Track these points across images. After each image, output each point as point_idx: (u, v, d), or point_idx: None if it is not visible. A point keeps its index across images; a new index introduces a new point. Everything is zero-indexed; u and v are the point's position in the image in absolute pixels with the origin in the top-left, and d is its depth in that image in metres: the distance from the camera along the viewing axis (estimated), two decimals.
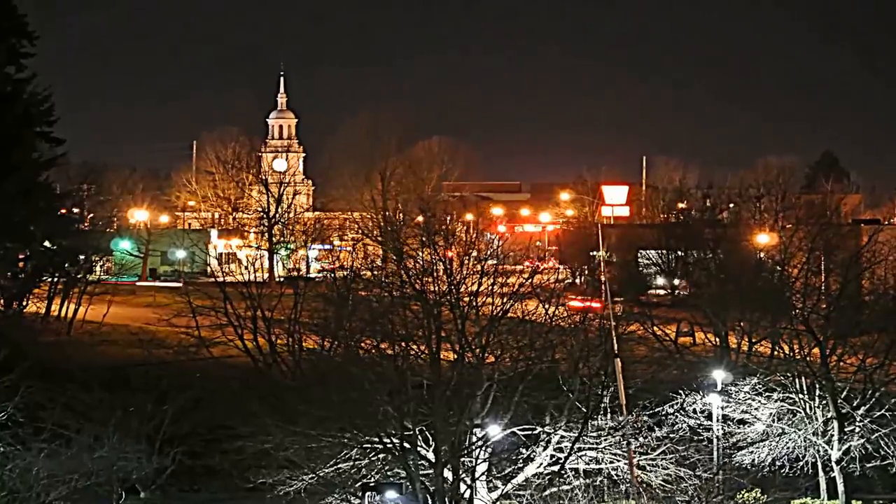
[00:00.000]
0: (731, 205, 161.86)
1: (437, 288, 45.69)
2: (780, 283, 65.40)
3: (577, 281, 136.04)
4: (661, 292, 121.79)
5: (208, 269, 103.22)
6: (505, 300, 46.92)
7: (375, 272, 54.68)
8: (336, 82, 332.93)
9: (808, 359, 57.00)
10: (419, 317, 44.94)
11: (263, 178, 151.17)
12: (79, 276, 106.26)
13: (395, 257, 49.93)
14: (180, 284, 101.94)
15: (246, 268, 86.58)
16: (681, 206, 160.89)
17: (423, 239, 49.38)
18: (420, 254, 48.95)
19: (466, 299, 46.93)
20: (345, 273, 63.60)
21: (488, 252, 55.33)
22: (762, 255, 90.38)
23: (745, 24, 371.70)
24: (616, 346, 43.70)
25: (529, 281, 49.19)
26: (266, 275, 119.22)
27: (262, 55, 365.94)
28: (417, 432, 44.97)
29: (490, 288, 46.37)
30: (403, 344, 45.06)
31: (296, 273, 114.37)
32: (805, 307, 59.13)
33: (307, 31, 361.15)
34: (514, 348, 46.38)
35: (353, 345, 48.40)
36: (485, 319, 47.21)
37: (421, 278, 45.57)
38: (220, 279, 78.34)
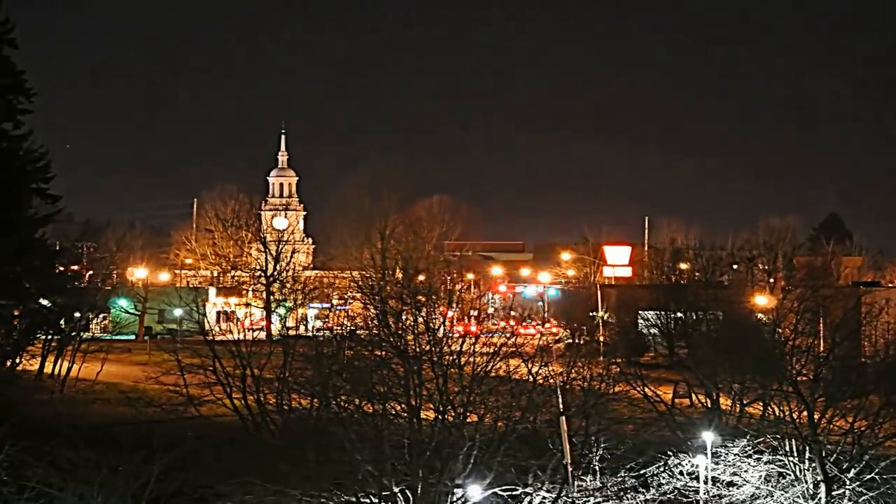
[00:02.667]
0: (735, 266, 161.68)
1: (418, 346, 45.28)
2: (770, 345, 64.89)
3: (577, 341, 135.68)
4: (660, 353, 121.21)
5: (206, 328, 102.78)
6: (488, 359, 46.45)
7: (360, 330, 54.28)
8: (337, 141, 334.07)
9: (797, 421, 56.54)
10: (399, 375, 44.54)
11: (262, 236, 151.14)
12: (73, 334, 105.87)
13: (379, 315, 49.36)
14: (176, 342, 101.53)
15: (237, 325, 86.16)
16: (682, 266, 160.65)
17: (404, 296, 49.06)
18: (403, 312, 48.52)
19: (449, 358, 46.59)
20: (332, 331, 63.26)
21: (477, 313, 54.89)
22: (762, 316, 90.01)
23: (748, 85, 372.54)
24: (561, 404, 43.31)
25: (513, 339, 48.71)
26: (263, 333, 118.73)
27: (264, 113, 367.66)
28: (398, 492, 44.49)
29: (472, 347, 45.87)
30: (383, 403, 44.58)
31: (294, 331, 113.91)
32: (793, 369, 58.62)
33: (309, 91, 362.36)
34: (497, 407, 45.91)
35: (334, 403, 47.96)
36: (468, 378, 46.83)
37: (401, 336, 45.17)
38: (210, 337, 77.81)
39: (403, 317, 48.03)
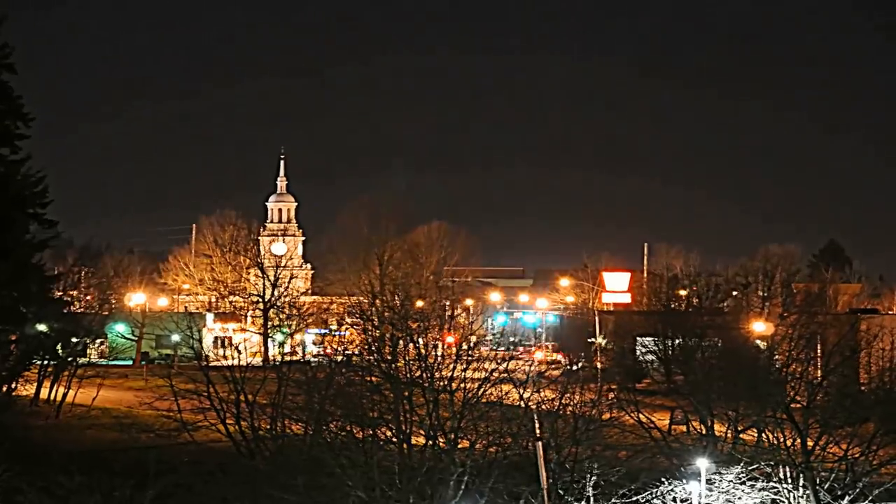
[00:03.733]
0: (735, 293, 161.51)
1: (408, 371, 45.17)
2: (764, 372, 64.77)
3: (575, 368, 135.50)
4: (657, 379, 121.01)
5: (203, 353, 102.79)
6: (479, 384, 46.32)
7: (353, 357, 54.21)
8: (337, 166, 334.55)
9: (791, 448, 56.41)
10: (388, 400, 44.41)
11: (260, 261, 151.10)
12: (69, 360, 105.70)
13: (369, 340, 49.28)
14: (170, 368, 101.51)
15: (236, 350, 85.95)
16: (681, 293, 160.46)
17: (394, 322, 48.94)
18: (393, 337, 48.38)
19: (440, 383, 46.46)
20: (327, 357, 63.13)
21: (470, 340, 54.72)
22: (760, 343, 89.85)
23: (751, 114, 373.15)
24: (539, 429, 43.13)
25: (505, 364, 48.59)
26: (257, 359, 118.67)
27: (262, 139, 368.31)
28: None
29: (463, 372, 45.74)
30: (374, 428, 44.43)
31: (291, 356, 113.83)
32: (787, 396, 58.51)
33: (308, 115, 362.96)
34: (488, 433, 45.73)
35: (325, 429, 47.81)
36: (459, 403, 46.67)
37: (392, 361, 45.06)
38: (204, 362, 77.73)
39: (394, 342, 47.87)
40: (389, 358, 46.11)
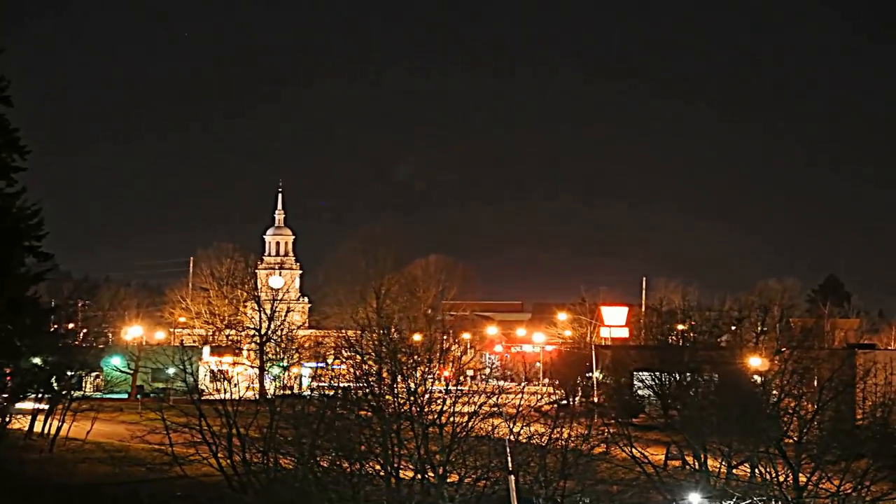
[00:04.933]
0: (734, 327, 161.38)
1: (397, 404, 45.04)
2: (757, 407, 64.65)
3: (571, 402, 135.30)
4: (651, 415, 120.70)
5: (198, 387, 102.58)
6: (468, 418, 46.18)
7: (340, 388, 54.11)
8: (334, 198, 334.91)
9: (784, 484, 56.23)
10: (377, 433, 44.27)
11: (256, 295, 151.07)
12: (64, 393, 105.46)
13: (356, 373, 49.19)
14: (162, 401, 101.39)
15: (227, 384, 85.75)
16: (680, 327, 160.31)
17: (382, 355, 48.86)
18: (381, 370, 48.28)
19: (430, 417, 46.33)
20: (319, 390, 63.00)
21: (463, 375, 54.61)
22: (758, 377, 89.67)
23: (752, 148, 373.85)
24: (511, 463, 42.88)
25: (496, 397, 48.46)
26: (250, 392, 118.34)
27: (261, 171, 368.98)
28: None
29: (452, 406, 45.61)
30: (362, 462, 44.25)
31: (288, 390, 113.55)
32: (778, 431, 58.37)
33: (306, 146, 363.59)
34: (477, 467, 45.56)
35: (313, 463, 47.64)
36: (448, 437, 46.52)
37: (380, 395, 44.94)
38: (197, 396, 77.55)
39: (378, 375, 47.80)
40: (378, 391, 45.98)
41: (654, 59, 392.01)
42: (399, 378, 47.27)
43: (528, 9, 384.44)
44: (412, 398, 45.53)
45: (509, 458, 41.61)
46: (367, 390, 47.05)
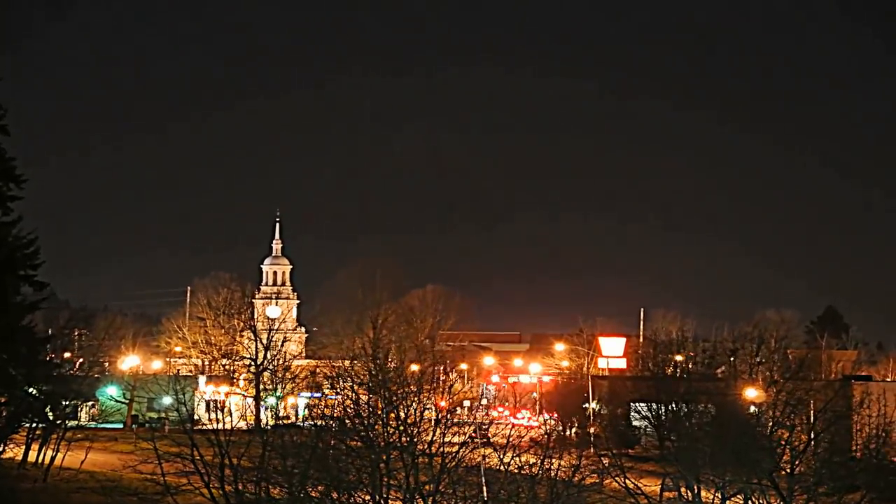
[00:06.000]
0: (732, 358, 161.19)
1: (386, 434, 44.88)
2: (750, 438, 64.48)
3: (568, 433, 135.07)
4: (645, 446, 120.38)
5: (194, 417, 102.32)
6: (458, 448, 46.03)
7: (330, 418, 53.93)
8: (332, 229, 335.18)
9: None
10: (366, 463, 44.12)
11: (252, 324, 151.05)
12: (58, 422, 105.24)
13: (343, 403, 49.05)
14: (154, 431, 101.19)
15: (222, 413, 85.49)
16: (678, 358, 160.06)
17: (371, 384, 48.75)
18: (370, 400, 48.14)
19: (420, 447, 46.16)
20: (311, 420, 62.82)
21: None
22: (754, 409, 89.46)
23: (754, 179, 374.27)
24: (486, 491, 42.77)
25: (486, 428, 48.31)
26: (247, 422, 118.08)
27: (258, 201, 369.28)
28: None
29: (442, 436, 45.45)
30: (350, 492, 44.07)
31: (285, 420, 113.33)
32: (771, 462, 58.19)
33: (304, 178, 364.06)
34: (466, 497, 45.37)
35: (302, 494, 47.46)
36: (438, 467, 46.36)
37: (369, 425, 44.78)
38: (190, 425, 77.26)
39: (373, 405, 47.67)
40: (367, 421, 45.83)
41: (653, 83, 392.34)
42: (389, 407, 47.11)
43: (519, 31, 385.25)
44: (402, 428, 45.34)
45: (484, 488, 41.61)
46: (357, 420, 46.86)
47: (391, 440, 45.80)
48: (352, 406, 49.30)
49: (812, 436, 61.42)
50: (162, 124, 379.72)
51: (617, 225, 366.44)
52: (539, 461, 49.37)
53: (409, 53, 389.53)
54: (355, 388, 49.96)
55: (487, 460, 47.37)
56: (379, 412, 47.61)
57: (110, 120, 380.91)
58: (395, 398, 48.33)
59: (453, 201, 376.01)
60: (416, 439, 45.90)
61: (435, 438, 46.24)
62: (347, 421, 47.58)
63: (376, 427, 45.99)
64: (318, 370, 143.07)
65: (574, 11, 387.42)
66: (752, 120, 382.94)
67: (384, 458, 44.44)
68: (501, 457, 47.52)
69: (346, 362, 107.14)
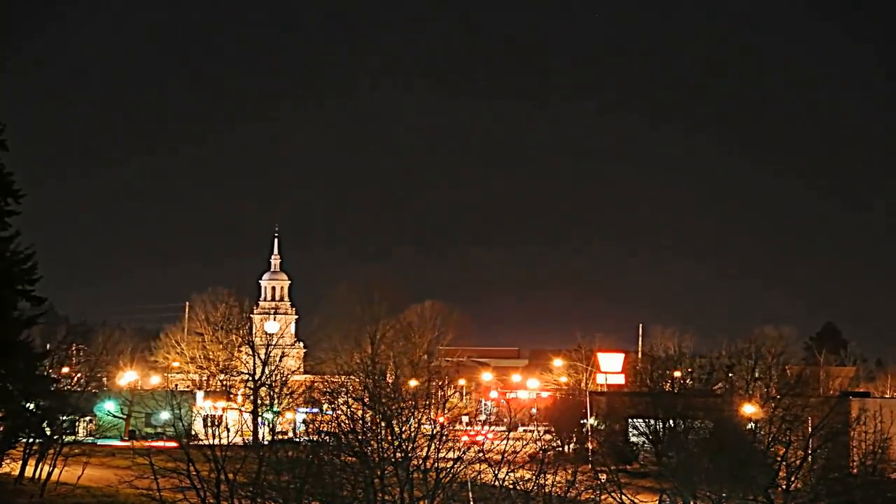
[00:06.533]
0: (731, 374, 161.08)
1: (381, 450, 44.87)
2: (746, 454, 64.49)
3: (566, 449, 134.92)
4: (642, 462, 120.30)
5: (191, 432, 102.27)
6: (452, 463, 46.01)
7: (326, 436, 53.87)
8: (330, 244, 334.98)
9: None
10: (360, 478, 44.11)
11: (250, 340, 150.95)
12: (55, 437, 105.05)
13: (336, 419, 49.03)
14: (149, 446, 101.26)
15: (218, 428, 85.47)
16: (676, 374, 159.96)
17: (365, 399, 48.75)
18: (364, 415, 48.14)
19: (415, 462, 46.15)
20: (308, 436, 62.78)
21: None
22: (752, 425, 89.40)
23: (752, 195, 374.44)
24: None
25: (482, 443, 48.25)
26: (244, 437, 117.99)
27: (257, 216, 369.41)
28: None
29: (437, 452, 45.43)
30: None
31: (282, 436, 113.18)
32: (766, 478, 58.21)
33: (302, 191, 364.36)
34: None
35: None
36: (433, 483, 46.34)
37: (364, 440, 44.77)
38: (186, 440, 77.28)
39: (368, 420, 47.66)
40: (361, 437, 45.82)
41: (652, 102, 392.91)
42: (384, 423, 47.10)
43: (518, 53, 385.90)
44: (396, 444, 45.35)
45: (471, 499, 41.63)
46: (352, 436, 46.85)
47: (386, 455, 45.74)
48: (347, 421, 49.28)
49: (808, 452, 61.39)
50: (162, 139, 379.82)
51: (617, 243, 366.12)
52: (534, 477, 49.42)
53: (405, 69, 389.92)
54: (350, 403, 50.00)
55: (483, 476, 47.36)
56: (374, 427, 47.57)
57: (110, 134, 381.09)
58: (390, 414, 48.31)
59: (453, 217, 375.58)
60: (410, 455, 45.82)
61: (430, 454, 46.16)
62: (342, 436, 47.55)
63: (371, 442, 45.91)
64: (314, 385, 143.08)
65: (571, 34, 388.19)
66: (751, 141, 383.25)
67: (379, 473, 44.39)
68: (496, 472, 47.48)
69: (342, 377, 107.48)
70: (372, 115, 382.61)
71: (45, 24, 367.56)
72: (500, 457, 49.20)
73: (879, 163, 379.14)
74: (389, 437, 46.23)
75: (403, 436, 46.06)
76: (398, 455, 45.28)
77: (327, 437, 51.91)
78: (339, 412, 51.15)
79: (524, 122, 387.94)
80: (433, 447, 46.61)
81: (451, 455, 47.84)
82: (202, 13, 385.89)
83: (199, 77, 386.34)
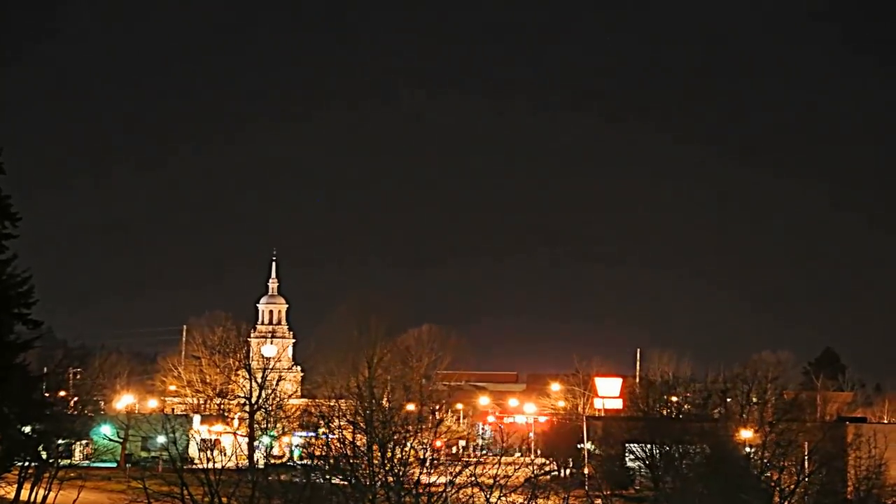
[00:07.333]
0: (728, 399, 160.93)
1: (373, 473, 44.93)
2: (740, 479, 64.53)
3: (562, 473, 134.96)
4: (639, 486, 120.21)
5: (188, 456, 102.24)
6: (444, 488, 46.07)
7: (319, 460, 53.92)
8: (328, 268, 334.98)
9: None
10: (350, 503, 44.14)
11: (246, 363, 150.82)
12: (51, 461, 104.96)
13: (327, 443, 49.09)
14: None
15: (212, 452, 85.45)
16: (674, 399, 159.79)
17: (358, 421, 48.80)
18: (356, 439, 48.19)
19: (407, 486, 46.19)
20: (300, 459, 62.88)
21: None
22: (749, 450, 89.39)
23: (752, 220, 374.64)
24: None
25: (472, 468, 48.30)
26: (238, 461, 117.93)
27: (254, 240, 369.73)
28: None
29: (429, 475, 45.49)
30: None
31: (276, 460, 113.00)
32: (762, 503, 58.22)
33: (301, 216, 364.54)
34: None
35: None
36: None
37: (353, 464, 44.81)
38: (181, 464, 77.31)
39: (359, 444, 47.71)
40: (352, 461, 45.87)
41: (653, 124, 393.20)
42: (376, 446, 47.17)
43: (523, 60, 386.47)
44: (388, 467, 45.39)
45: None
46: (344, 460, 46.90)
47: (378, 479, 45.78)
48: (339, 445, 49.33)
49: (801, 477, 61.46)
50: (159, 161, 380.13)
51: (615, 266, 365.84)
52: (526, 501, 49.42)
53: (401, 85, 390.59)
54: (343, 427, 50.04)
55: (475, 500, 47.38)
56: (366, 451, 47.62)
57: (106, 157, 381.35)
58: (382, 438, 48.36)
59: (450, 239, 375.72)
60: (402, 478, 45.87)
61: (421, 478, 46.23)
62: (332, 460, 47.61)
63: (364, 466, 45.96)
64: (309, 409, 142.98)
65: (569, 46, 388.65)
66: (751, 163, 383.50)
67: (370, 497, 44.42)
68: (488, 496, 47.50)
69: (335, 402, 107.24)
70: (370, 138, 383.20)
71: (36, 48, 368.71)
72: (491, 481, 49.21)
73: (882, 186, 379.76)
74: (381, 461, 46.23)
75: (395, 459, 46.07)
76: (390, 479, 45.29)
77: (320, 461, 51.93)
78: (332, 436, 51.22)
79: (520, 139, 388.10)
80: (425, 471, 46.62)
81: (442, 479, 47.84)
82: (192, 35, 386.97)
83: (196, 99, 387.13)
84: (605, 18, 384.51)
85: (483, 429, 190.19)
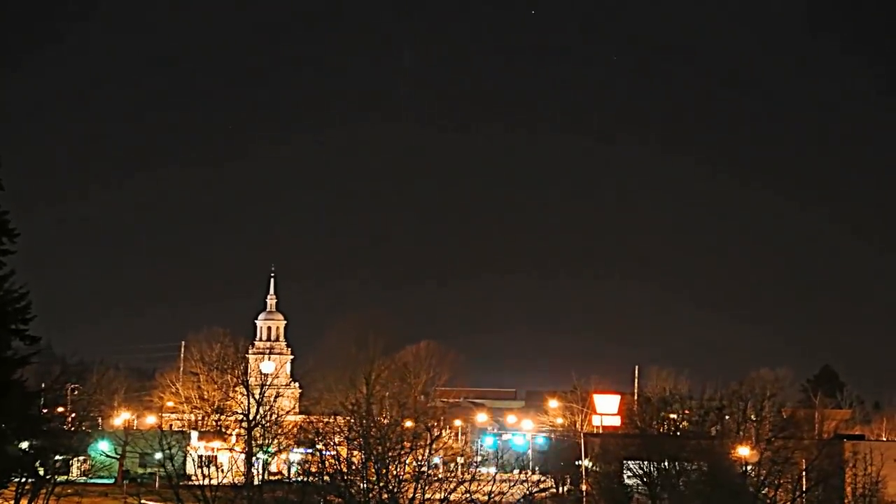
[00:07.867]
0: (727, 416, 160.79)
1: (365, 489, 44.95)
2: (738, 497, 64.48)
3: (560, 490, 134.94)
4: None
5: (185, 472, 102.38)
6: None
7: (312, 477, 53.93)
8: (326, 284, 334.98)
9: None
10: None
11: (244, 380, 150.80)
12: (48, 477, 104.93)
13: (321, 460, 49.09)
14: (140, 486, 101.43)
15: (209, 469, 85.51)
16: (672, 416, 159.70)
17: (352, 436, 48.79)
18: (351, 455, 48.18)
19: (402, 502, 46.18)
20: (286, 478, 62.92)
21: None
22: (749, 467, 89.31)
23: (750, 236, 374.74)
24: None
25: (465, 485, 48.31)
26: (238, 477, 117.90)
27: (253, 256, 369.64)
28: None
29: (422, 492, 45.49)
30: None
31: (272, 477, 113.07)
32: None
33: (300, 233, 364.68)
34: None
35: None
36: None
37: (347, 481, 44.83)
38: (176, 481, 77.39)
39: (354, 460, 47.72)
40: (346, 478, 45.87)
41: (648, 141, 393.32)
42: (372, 463, 47.18)
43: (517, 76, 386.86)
44: (381, 484, 45.40)
45: None
46: (338, 477, 46.89)
47: (372, 495, 45.77)
48: (334, 462, 49.33)
49: (797, 494, 61.43)
50: (157, 177, 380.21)
51: (614, 283, 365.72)
52: None
53: (400, 106, 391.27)
54: (337, 443, 50.03)
55: None
56: (360, 468, 47.63)
57: (105, 172, 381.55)
58: (377, 454, 48.38)
59: (449, 255, 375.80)
60: (397, 495, 45.86)
61: (416, 494, 46.22)
62: (327, 477, 47.60)
63: (358, 483, 45.96)
64: (305, 425, 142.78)
65: (563, 66, 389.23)
66: (749, 181, 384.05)
67: None
68: None
69: (332, 418, 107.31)
70: (370, 156, 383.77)
71: (37, 59, 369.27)
72: (486, 497, 49.22)
73: (881, 204, 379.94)
74: (377, 478, 46.23)
75: (390, 476, 46.08)
76: (384, 495, 45.28)
77: (315, 478, 51.93)
78: (327, 453, 51.24)
79: (516, 156, 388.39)
80: (419, 487, 46.61)
81: (437, 496, 47.84)
82: (190, 44, 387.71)
83: (193, 118, 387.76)
84: (596, 36, 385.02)
85: (480, 445, 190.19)
